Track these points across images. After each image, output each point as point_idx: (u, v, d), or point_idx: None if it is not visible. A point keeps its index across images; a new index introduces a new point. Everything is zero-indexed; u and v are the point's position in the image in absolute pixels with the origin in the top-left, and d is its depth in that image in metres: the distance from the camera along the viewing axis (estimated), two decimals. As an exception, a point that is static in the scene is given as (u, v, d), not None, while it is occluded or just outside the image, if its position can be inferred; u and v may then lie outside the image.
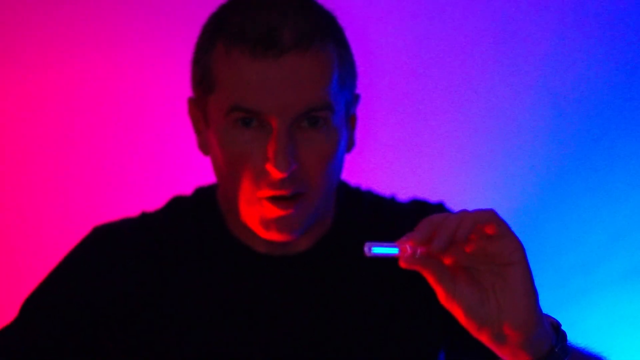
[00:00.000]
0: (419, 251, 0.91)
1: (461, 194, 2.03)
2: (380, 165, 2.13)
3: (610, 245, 2.18)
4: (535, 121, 2.20)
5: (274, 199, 1.11)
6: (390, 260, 0.96)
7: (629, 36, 2.36)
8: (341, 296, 1.20)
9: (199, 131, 1.21)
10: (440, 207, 1.28)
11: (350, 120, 1.19)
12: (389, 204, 1.28)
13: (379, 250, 0.90)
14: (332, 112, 1.11)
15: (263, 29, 1.09)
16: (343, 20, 1.21)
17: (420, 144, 2.31)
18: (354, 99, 1.20)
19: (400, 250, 0.91)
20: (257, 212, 1.12)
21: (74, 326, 1.18)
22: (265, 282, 1.19)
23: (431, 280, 0.93)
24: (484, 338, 0.93)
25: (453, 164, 2.17)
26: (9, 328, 1.20)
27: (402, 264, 0.91)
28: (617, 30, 2.36)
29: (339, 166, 1.16)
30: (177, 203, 1.26)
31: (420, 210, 1.25)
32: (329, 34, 1.13)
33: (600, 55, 2.41)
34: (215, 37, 1.14)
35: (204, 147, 1.20)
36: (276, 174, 1.09)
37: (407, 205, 1.28)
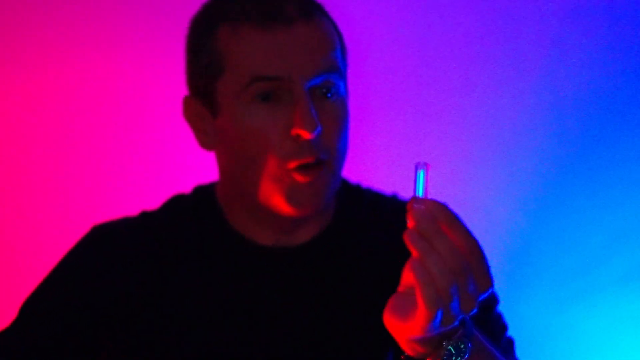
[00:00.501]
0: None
1: (462, 194, 2.03)
2: (381, 164, 2.13)
3: (610, 246, 2.19)
4: (536, 123, 2.20)
5: (301, 168, 1.13)
6: (387, 256, 1.02)
7: (628, 36, 2.37)
8: (341, 287, 1.21)
9: (198, 129, 1.22)
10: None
11: None
12: (389, 201, 1.29)
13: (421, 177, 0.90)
14: (341, 77, 1.16)
15: (268, 5, 1.13)
16: (342, 19, 1.24)
17: (421, 144, 2.32)
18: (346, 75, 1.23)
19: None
20: (284, 186, 1.14)
21: (73, 326, 1.18)
22: (268, 274, 1.20)
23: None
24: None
25: (454, 165, 2.18)
26: (8, 329, 1.20)
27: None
28: (616, 30, 2.37)
29: (347, 137, 1.18)
30: (176, 201, 1.27)
31: None
32: (323, 11, 1.18)
33: (601, 55, 2.41)
34: (215, 22, 1.16)
35: (208, 143, 1.21)
36: (306, 134, 1.11)
37: (400, 202, 1.29)
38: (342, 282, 1.22)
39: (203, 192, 1.26)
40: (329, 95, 1.15)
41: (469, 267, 0.87)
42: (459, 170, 2.16)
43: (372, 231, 1.24)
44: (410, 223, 0.88)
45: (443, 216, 0.87)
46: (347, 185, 1.29)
